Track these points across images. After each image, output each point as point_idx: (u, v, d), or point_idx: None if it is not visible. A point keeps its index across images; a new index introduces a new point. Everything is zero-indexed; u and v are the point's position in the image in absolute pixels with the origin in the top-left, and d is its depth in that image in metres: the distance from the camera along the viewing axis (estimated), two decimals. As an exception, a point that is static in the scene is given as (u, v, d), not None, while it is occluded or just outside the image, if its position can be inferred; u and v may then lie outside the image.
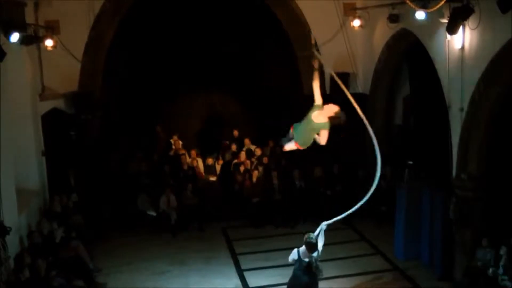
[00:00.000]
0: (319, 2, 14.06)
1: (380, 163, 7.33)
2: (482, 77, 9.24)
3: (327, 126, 7.21)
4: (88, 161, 13.48)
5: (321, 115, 7.23)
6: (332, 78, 14.22)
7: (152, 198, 13.39)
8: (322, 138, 7.31)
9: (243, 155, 14.99)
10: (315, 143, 7.47)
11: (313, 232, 8.20)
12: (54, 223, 10.78)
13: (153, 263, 11.39)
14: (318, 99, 7.44)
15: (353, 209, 8.01)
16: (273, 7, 14.35)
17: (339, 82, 7.83)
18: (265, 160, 14.66)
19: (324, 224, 8.28)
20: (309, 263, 7.98)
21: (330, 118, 7.23)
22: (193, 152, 15.21)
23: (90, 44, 13.42)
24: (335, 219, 8.20)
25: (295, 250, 8.16)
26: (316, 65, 7.72)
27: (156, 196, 13.33)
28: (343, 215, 8.12)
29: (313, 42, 8.65)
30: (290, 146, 7.68)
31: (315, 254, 8.04)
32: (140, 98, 15.89)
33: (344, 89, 7.66)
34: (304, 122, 7.40)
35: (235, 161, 15.00)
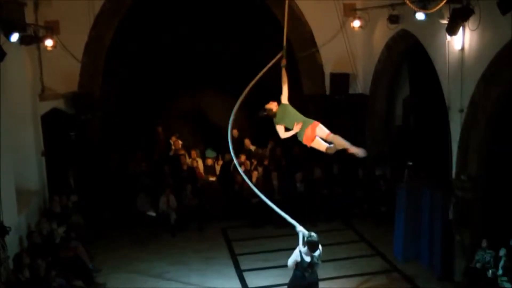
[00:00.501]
0: (319, 3, 14.08)
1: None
2: (482, 77, 9.24)
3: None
4: (88, 161, 13.49)
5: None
6: (332, 79, 14.37)
7: (152, 198, 13.38)
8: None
9: (243, 155, 14.97)
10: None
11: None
12: (54, 223, 10.79)
13: (153, 263, 11.38)
14: (285, 97, 7.91)
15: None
16: (273, 7, 14.34)
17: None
18: (265, 161, 14.65)
19: (299, 228, 8.22)
20: (311, 263, 7.96)
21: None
22: (193, 153, 15.20)
23: (90, 44, 13.44)
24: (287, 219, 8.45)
25: (297, 251, 8.06)
26: (283, 63, 8.40)
27: (156, 196, 13.33)
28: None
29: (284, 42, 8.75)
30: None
31: (316, 253, 8.00)
32: (140, 98, 15.87)
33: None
34: (289, 114, 8.37)
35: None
